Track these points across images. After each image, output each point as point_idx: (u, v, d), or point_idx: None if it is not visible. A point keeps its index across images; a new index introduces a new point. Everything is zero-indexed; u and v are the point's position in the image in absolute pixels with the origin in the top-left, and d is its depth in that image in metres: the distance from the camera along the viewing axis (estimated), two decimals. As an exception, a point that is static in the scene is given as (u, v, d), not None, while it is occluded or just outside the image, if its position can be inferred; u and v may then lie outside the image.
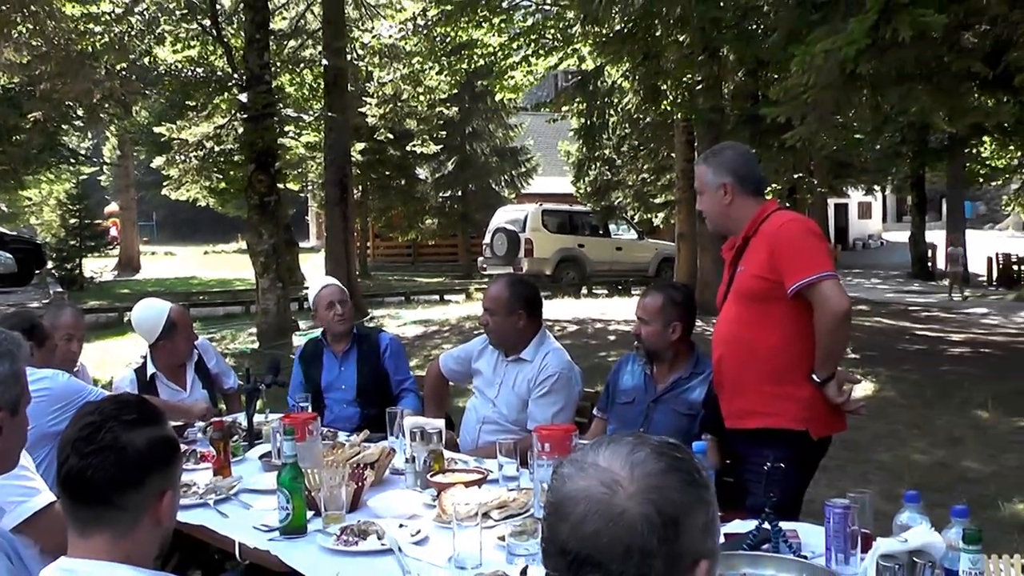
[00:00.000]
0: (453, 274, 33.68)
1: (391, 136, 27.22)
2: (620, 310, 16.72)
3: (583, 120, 21.43)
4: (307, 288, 6.86)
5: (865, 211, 47.35)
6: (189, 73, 18.59)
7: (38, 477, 2.81)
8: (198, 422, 4.75)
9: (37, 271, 27.49)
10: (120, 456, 1.90)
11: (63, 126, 26.20)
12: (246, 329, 16.60)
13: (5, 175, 25.76)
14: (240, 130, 15.95)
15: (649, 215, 26.77)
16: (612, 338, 14.17)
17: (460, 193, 34.27)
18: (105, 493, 1.89)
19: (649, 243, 27.53)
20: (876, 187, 35.98)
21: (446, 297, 23.15)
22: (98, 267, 32.96)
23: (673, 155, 20.37)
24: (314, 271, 28.48)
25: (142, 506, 1.92)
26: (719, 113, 15.61)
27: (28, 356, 2.49)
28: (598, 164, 25.60)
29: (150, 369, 5.16)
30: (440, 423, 3.88)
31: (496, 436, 4.08)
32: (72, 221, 29.97)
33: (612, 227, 27.19)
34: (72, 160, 29.57)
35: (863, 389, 9.83)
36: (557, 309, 17.66)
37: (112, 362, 11.31)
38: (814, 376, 3.52)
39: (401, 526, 3.09)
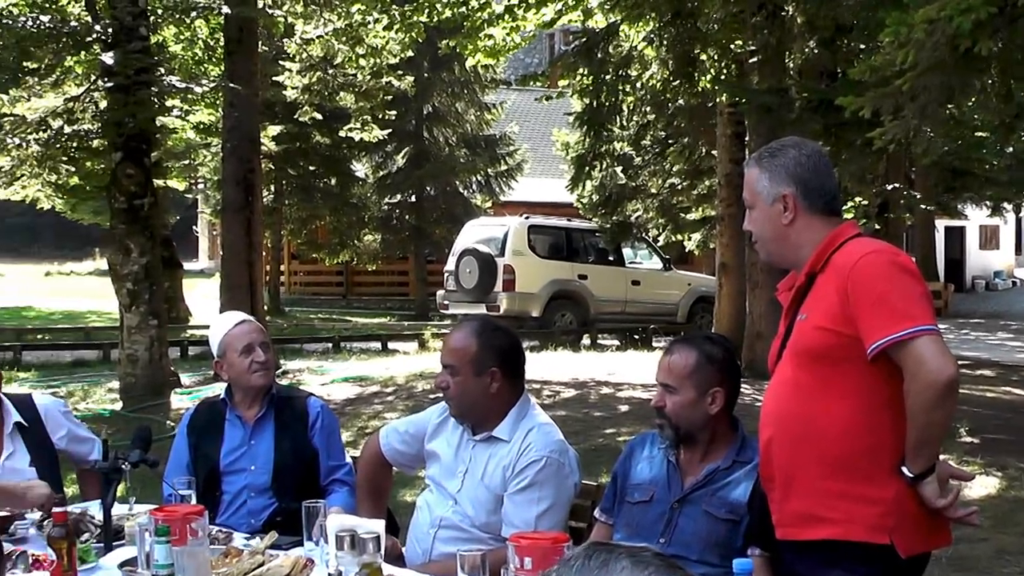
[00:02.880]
0: (401, 313, 33.60)
1: (318, 116, 27.19)
2: (637, 370, 16.72)
3: (588, 101, 21.49)
4: (202, 329, 6.84)
5: (990, 238, 47.30)
6: (29, 22, 18.49)
7: None
8: (30, 513, 4.69)
9: None
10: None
11: None
12: (105, 383, 16.44)
13: None
14: (102, 104, 15.88)
15: (679, 236, 26.81)
16: (624, 409, 14.18)
17: (413, 199, 34.25)
18: None
19: (679, 276, 27.58)
20: (1007, 205, 35.83)
21: (390, 345, 23.06)
22: None
23: (715, 153, 20.43)
24: (205, 303, 28.33)
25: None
26: (779, 96, 15.69)
27: None
28: (608, 163, 25.64)
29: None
30: (379, 525, 3.89)
31: (457, 546, 4.09)
32: None
33: (627, 252, 27.31)
34: None
35: (982, 486, 9.81)
36: (548, 367, 17.65)
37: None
38: (904, 470, 3.54)
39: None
